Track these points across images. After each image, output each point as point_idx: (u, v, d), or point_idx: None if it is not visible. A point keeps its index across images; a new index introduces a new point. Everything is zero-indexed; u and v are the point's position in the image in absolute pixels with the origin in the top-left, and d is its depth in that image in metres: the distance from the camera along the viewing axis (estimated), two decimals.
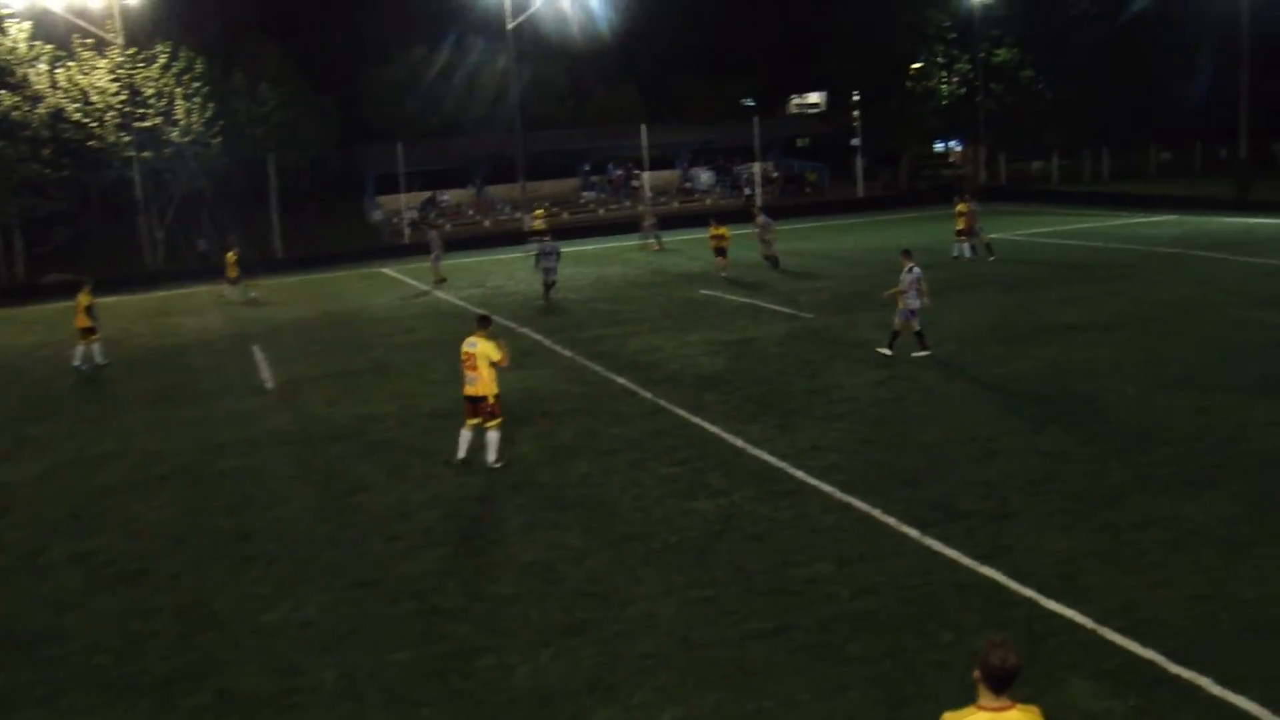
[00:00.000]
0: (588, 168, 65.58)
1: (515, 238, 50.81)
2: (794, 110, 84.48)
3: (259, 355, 26.73)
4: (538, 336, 26.40)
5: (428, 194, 59.43)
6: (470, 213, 58.60)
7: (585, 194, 63.21)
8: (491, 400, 16.11)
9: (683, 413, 18.65)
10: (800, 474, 15.22)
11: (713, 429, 17.65)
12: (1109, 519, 13.09)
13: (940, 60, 65.70)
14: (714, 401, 19.32)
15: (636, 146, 57.93)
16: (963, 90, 66.02)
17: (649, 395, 20.09)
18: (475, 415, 16.30)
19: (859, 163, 62.81)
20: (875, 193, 60.88)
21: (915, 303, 22.05)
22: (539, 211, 44.75)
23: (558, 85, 64.33)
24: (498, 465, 16.32)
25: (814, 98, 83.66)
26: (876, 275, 33.62)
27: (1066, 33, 62.98)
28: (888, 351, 22.08)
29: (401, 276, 41.20)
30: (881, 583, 11.63)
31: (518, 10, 51.83)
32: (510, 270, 40.31)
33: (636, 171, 62.36)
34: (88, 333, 26.21)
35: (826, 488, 14.60)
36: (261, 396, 22.43)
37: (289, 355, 26.58)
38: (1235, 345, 21.80)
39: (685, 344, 24.50)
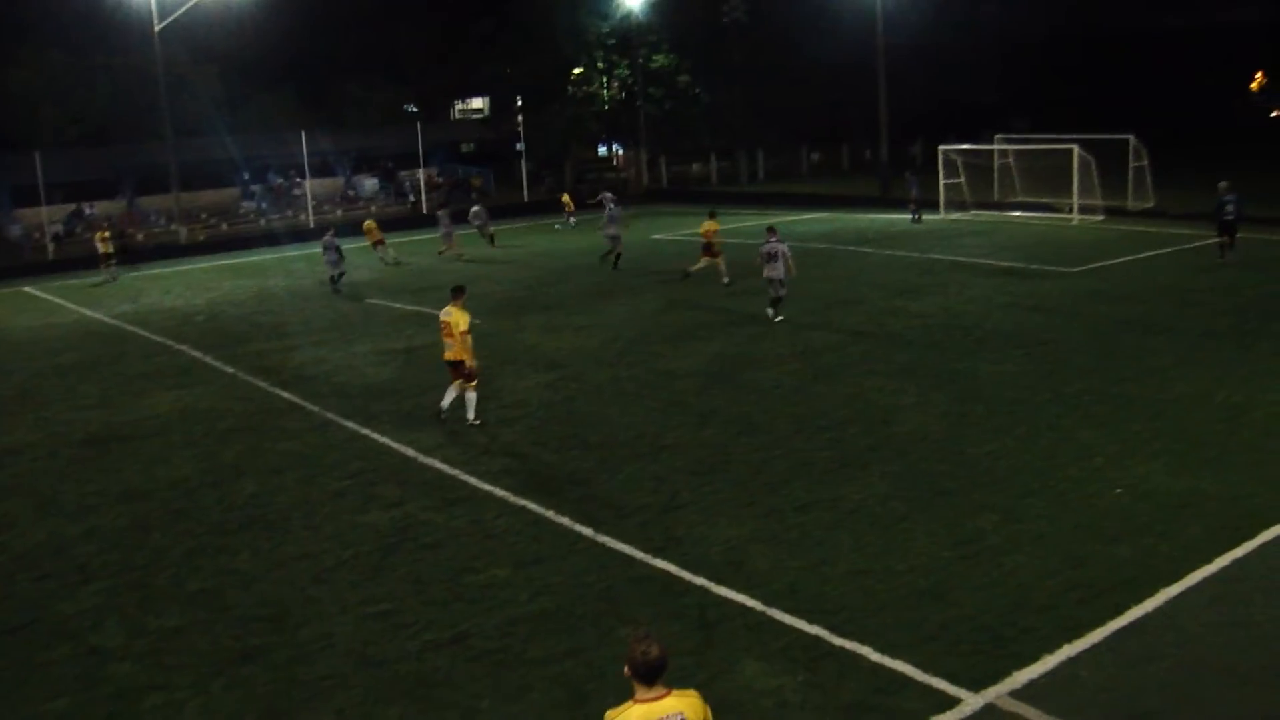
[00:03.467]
0: (247, 176, 63.26)
1: (170, 250, 48.55)
2: (458, 116, 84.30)
3: None
4: (196, 353, 25.21)
5: (73, 206, 55.88)
6: (122, 225, 55.46)
7: (245, 204, 60.94)
8: (469, 364, 17.33)
9: (351, 425, 18.27)
10: (473, 480, 15.19)
11: (383, 440, 17.39)
12: (773, 504, 13.68)
13: (600, 66, 67.04)
14: (383, 412, 19.02)
15: (297, 154, 56.35)
16: (623, 95, 67.57)
17: (316, 409, 19.55)
18: (457, 377, 17.59)
19: (524, 167, 63.24)
20: (541, 197, 61.31)
21: (778, 274, 24.43)
22: (104, 234, 42.71)
23: (212, 90, 61.69)
24: (476, 423, 17.65)
25: (477, 103, 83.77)
26: (544, 278, 34.01)
27: (721, 39, 65.52)
28: (773, 313, 24.69)
29: (46, 295, 38.44)
30: (558, 583, 11.73)
31: (165, 12, 49.39)
32: (166, 285, 38.37)
33: (298, 180, 60.67)
34: None
35: (500, 492, 14.63)
36: None
37: None
38: (882, 333, 23.20)
39: (352, 355, 23.99)
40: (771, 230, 25.42)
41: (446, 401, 17.96)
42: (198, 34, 56.09)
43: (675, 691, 6.16)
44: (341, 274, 34.33)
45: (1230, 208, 30.05)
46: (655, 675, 6.09)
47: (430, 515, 13.99)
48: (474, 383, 17.66)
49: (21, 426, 19.86)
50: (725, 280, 29.58)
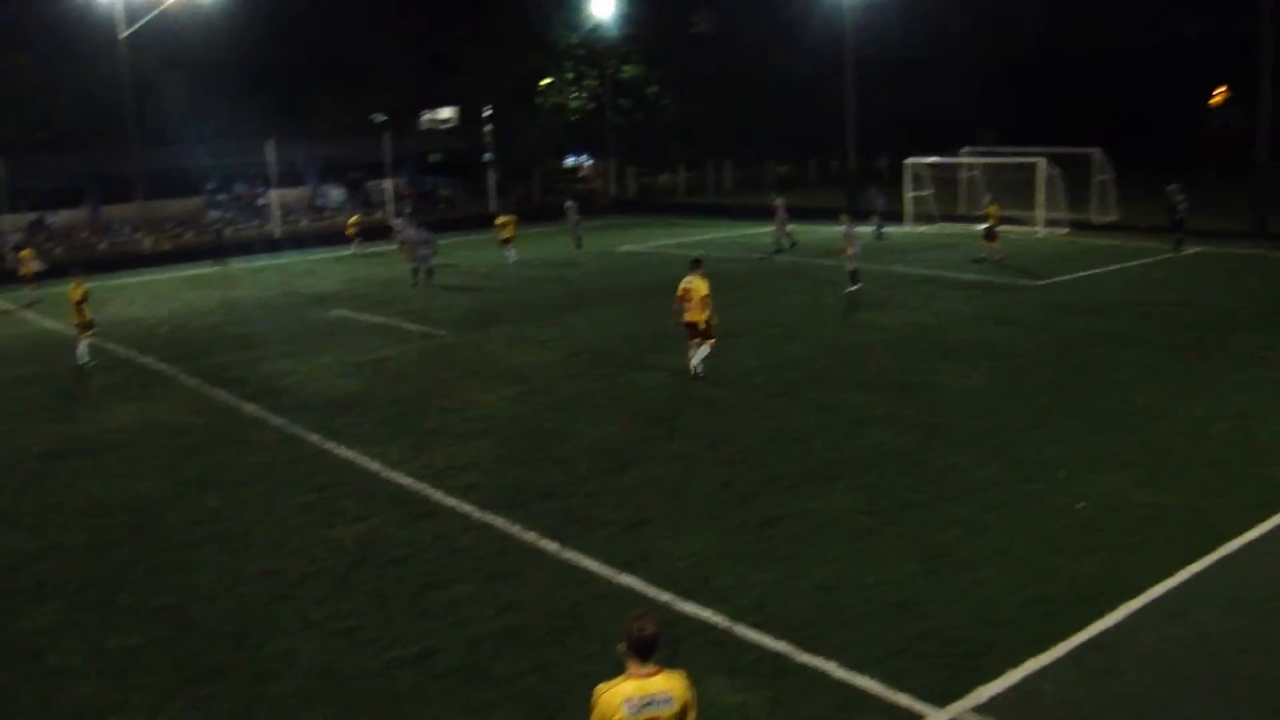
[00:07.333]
0: (213, 185, 62.80)
1: (135, 261, 48.15)
2: (426, 126, 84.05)
3: None
4: (160, 365, 24.97)
5: (34, 215, 55.29)
6: (85, 235, 54.93)
7: (212, 213, 60.49)
8: (703, 324, 20.51)
9: (316, 438, 18.13)
10: (439, 494, 15.11)
11: (348, 453, 17.25)
12: (740, 518, 13.67)
13: (570, 76, 67.03)
14: (348, 425, 18.89)
15: (264, 163, 56.09)
16: (592, 105, 67.58)
17: (281, 422, 19.39)
18: (695, 336, 20.68)
19: (492, 178, 63.13)
20: (508, 208, 61.18)
21: (854, 249, 29.54)
22: (26, 253, 42.40)
23: (178, 98, 61.24)
24: (701, 374, 20.70)
25: (446, 113, 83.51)
26: (512, 289, 33.94)
27: (690, 50, 65.68)
28: (854, 288, 29.45)
29: (6, 305, 38.04)
30: (524, 599, 11.68)
31: (132, 18, 49.05)
32: (130, 296, 38.04)
33: (263, 189, 60.28)
34: (85, 327, 25.23)
35: (466, 507, 14.56)
36: None
37: None
38: (850, 346, 23.28)
39: (317, 367, 23.80)
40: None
41: (695, 360, 20.80)
42: (165, 41, 55.65)
43: (665, 671, 6.51)
44: (432, 268, 36.24)
45: (1181, 206, 34.50)
46: (648, 651, 6.43)
47: (395, 530, 13.91)
48: (713, 339, 20.73)
49: None
50: (984, 257, 34.25)
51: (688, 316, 20.66)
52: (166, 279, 42.33)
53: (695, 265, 21.01)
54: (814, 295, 29.90)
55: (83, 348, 25.24)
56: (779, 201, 41.06)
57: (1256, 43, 38.17)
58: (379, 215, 49.28)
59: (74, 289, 25.17)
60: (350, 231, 48.55)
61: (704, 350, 20.73)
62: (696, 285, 20.46)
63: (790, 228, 40.90)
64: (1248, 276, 30.68)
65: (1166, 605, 10.93)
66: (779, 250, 39.85)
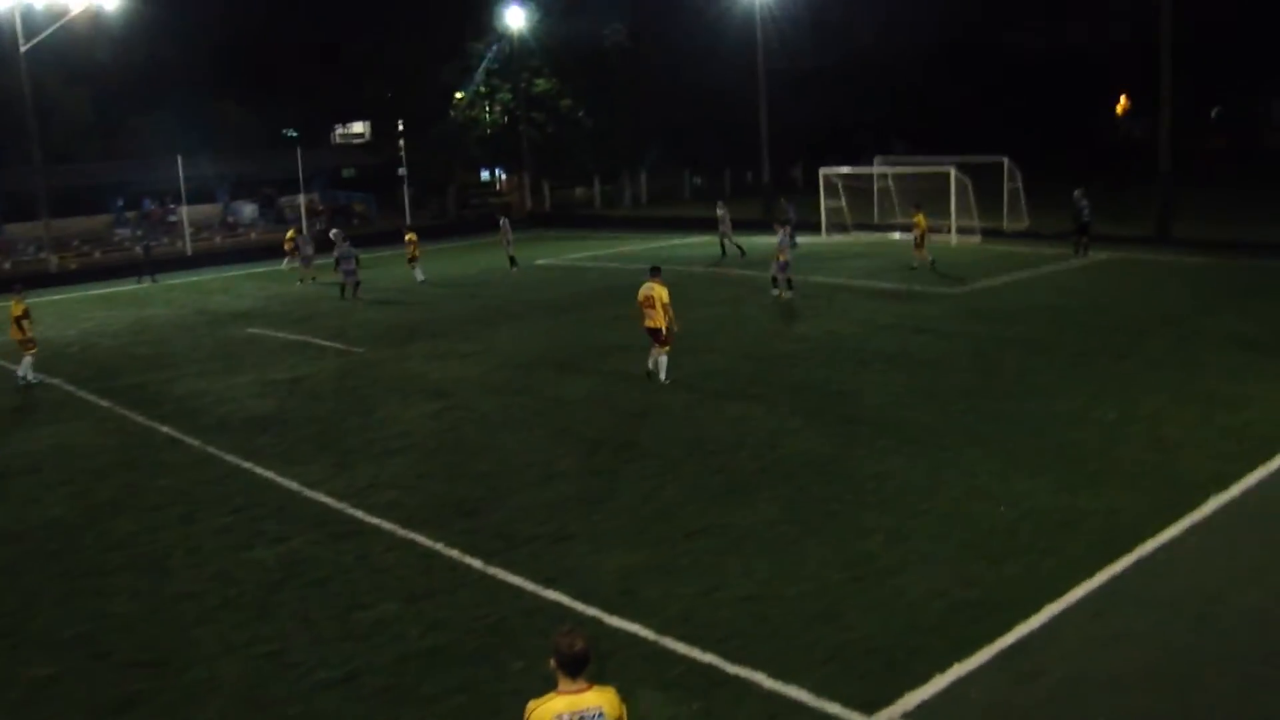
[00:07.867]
0: (121, 203, 61.68)
1: (42, 280, 47.08)
2: (339, 140, 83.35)
3: None
4: (69, 387, 24.42)
5: None
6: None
7: (120, 231, 59.38)
8: (665, 331, 20.60)
9: (234, 459, 17.83)
10: (360, 513, 14.93)
11: (267, 474, 16.98)
12: (664, 532, 13.66)
13: (483, 90, 66.82)
14: (266, 445, 18.60)
15: (174, 179, 55.18)
16: (505, 119, 67.43)
17: (197, 443, 19.04)
18: (657, 342, 20.92)
19: (406, 192, 62.70)
20: (424, 222, 60.79)
21: (785, 258, 30.20)
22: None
23: (84, 114, 60.08)
24: (666, 382, 20.91)
25: (358, 127, 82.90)
26: (429, 304, 33.70)
27: (603, 64, 65.80)
28: (776, 292, 30.29)
29: None
30: (449, 617, 11.57)
31: (32, 32, 47.95)
32: (36, 315, 36.99)
33: (174, 206, 59.31)
34: (27, 344, 24.77)
35: (388, 525, 14.40)
36: None
37: None
38: (770, 356, 23.39)
39: (233, 386, 23.42)
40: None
41: (651, 364, 21.22)
42: (69, 56, 54.59)
43: (596, 687, 6.50)
44: (358, 283, 36.16)
45: (1085, 212, 35.82)
46: (579, 668, 6.42)
47: (317, 551, 13.71)
48: (668, 347, 20.90)
49: None
50: (915, 266, 34.63)
51: (648, 323, 20.91)
52: (76, 298, 41.44)
53: (654, 272, 21.25)
54: (731, 306, 30.02)
55: (25, 365, 24.82)
56: (720, 211, 41.61)
57: (1156, 55, 39.08)
58: (290, 232, 48.39)
59: (15, 305, 24.82)
60: (288, 246, 47.54)
61: (662, 360, 21.00)
62: (658, 291, 20.70)
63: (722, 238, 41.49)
64: (1153, 282, 31.33)
65: (1087, 606, 11.11)
66: (727, 255, 40.90)
